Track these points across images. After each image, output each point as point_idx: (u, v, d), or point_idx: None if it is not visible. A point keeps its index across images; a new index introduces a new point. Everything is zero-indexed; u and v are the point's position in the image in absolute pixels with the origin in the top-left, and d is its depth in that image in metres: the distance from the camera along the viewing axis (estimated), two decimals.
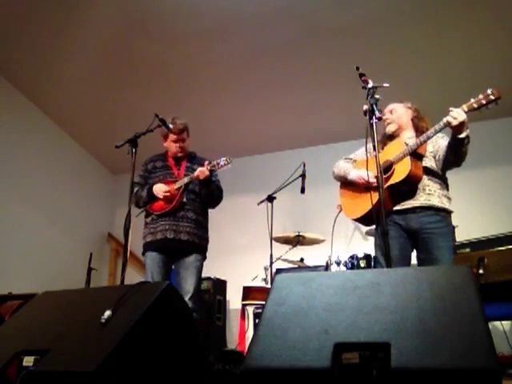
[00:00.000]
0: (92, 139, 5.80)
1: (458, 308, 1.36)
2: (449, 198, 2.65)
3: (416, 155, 2.57)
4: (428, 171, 2.60)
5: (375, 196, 2.53)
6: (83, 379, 1.45)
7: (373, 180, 2.58)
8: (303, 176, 4.19)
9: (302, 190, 4.17)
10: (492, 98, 2.26)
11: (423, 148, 2.58)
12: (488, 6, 3.87)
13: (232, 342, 4.72)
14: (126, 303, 1.75)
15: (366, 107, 2.26)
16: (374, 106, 2.21)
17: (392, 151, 2.63)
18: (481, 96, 2.29)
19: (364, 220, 2.76)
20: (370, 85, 2.28)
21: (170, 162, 3.29)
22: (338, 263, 4.08)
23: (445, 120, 2.36)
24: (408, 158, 2.52)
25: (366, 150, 2.43)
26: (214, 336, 4.52)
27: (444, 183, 2.67)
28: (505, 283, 2.86)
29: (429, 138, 2.50)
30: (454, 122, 2.30)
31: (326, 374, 1.30)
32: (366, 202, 2.65)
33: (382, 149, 2.73)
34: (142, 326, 1.65)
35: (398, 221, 2.58)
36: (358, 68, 2.29)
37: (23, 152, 5.10)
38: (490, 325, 2.66)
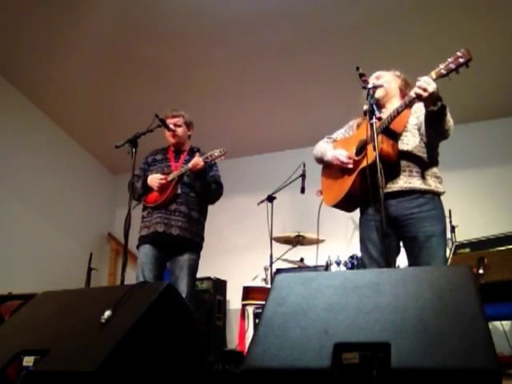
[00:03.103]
0: (92, 139, 5.80)
1: (457, 308, 1.35)
2: (437, 177, 2.35)
3: (389, 132, 2.28)
4: (407, 153, 2.31)
5: (350, 180, 2.38)
6: (83, 379, 1.45)
7: (347, 161, 2.38)
8: (303, 176, 4.19)
9: (302, 190, 4.18)
10: (461, 60, 1.99)
11: (398, 124, 2.30)
12: (489, 6, 3.87)
13: (232, 342, 4.72)
14: (126, 303, 1.75)
15: (365, 107, 2.25)
16: (374, 106, 2.18)
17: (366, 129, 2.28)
18: (450, 59, 2.03)
19: (342, 206, 2.50)
20: (370, 85, 2.27)
21: (170, 155, 3.23)
22: (338, 263, 4.08)
23: (412, 93, 2.09)
24: (380, 136, 2.20)
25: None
26: (214, 336, 4.51)
27: (430, 160, 2.34)
28: (505, 283, 2.86)
29: (399, 112, 2.22)
30: (424, 94, 2.03)
31: (325, 374, 1.29)
32: (341, 187, 2.43)
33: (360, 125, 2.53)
34: (142, 326, 1.65)
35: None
36: (358, 68, 2.26)
37: (23, 152, 5.10)
38: (490, 325, 2.65)
